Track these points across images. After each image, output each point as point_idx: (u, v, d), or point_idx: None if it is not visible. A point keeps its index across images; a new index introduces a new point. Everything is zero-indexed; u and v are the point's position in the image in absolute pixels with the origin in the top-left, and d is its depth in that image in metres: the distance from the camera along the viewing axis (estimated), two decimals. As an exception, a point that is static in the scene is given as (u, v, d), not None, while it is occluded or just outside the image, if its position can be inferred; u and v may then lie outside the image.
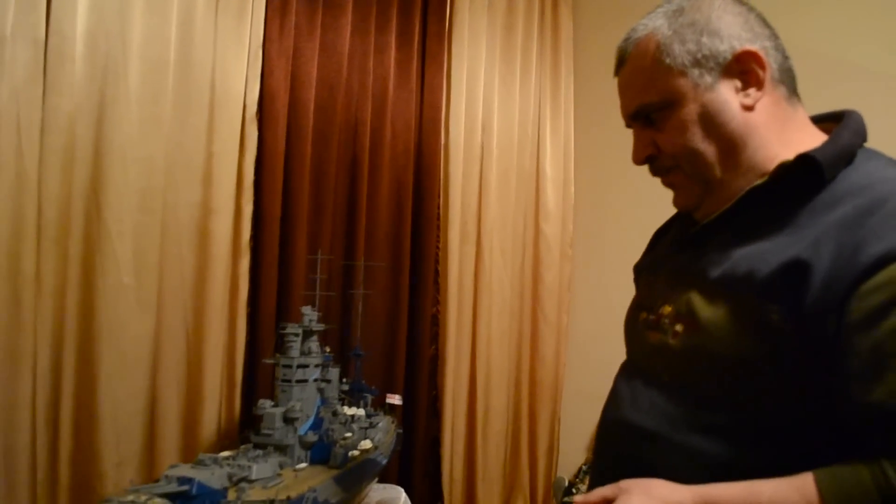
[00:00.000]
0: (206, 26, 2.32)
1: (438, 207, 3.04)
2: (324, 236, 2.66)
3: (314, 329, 2.12)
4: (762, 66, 1.05)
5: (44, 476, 2.03)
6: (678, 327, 1.06)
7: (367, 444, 2.16)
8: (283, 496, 1.59)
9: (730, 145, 1.06)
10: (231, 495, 1.57)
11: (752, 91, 1.06)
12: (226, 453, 1.82)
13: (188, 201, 2.30)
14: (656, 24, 1.10)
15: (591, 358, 3.45)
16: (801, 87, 1.11)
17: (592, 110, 3.41)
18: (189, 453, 2.20)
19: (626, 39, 1.13)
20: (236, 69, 2.39)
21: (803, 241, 0.94)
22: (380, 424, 2.38)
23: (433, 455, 3.00)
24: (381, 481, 2.44)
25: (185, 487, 1.47)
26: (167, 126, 2.25)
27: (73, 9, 2.04)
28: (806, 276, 0.91)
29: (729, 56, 1.05)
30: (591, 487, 1.08)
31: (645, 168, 1.16)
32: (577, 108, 3.51)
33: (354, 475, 2.00)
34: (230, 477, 1.64)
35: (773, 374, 0.95)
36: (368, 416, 2.39)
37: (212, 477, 1.53)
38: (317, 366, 2.09)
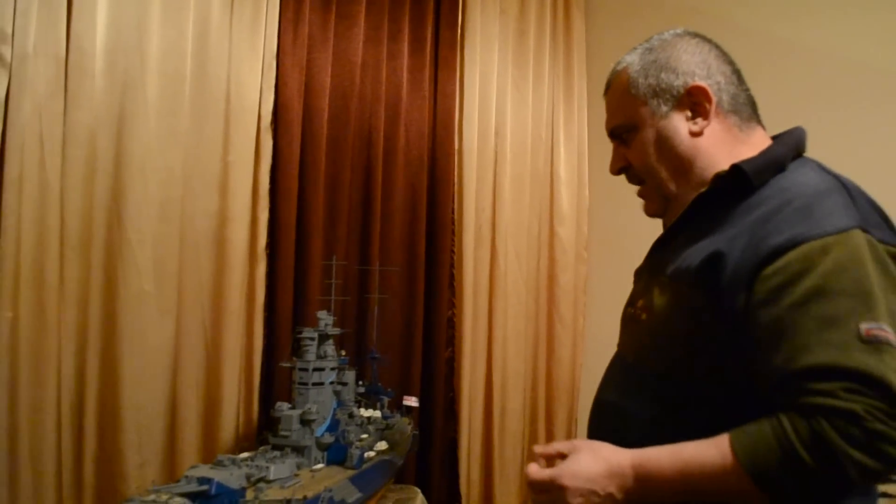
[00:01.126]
0: (221, 39, 2.38)
1: (453, 212, 3.08)
2: (339, 242, 2.71)
3: (330, 333, 2.16)
4: (709, 100, 1.24)
5: (69, 477, 2.09)
6: (644, 316, 1.26)
7: (382, 445, 2.20)
8: (299, 496, 1.62)
9: (679, 164, 1.26)
10: (249, 495, 1.61)
11: (699, 120, 1.25)
12: (244, 454, 1.86)
13: (205, 210, 2.36)
14: (631, 60, 1.32)
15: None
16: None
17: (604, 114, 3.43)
18: (209, 455, 2.25)
19: (613, 70, 1.36)
20: (251, 80, 2.45)
21: (725, 237, 1.11)
22: (396, 426, 2.42)
23: (450, 456, 3.03)
24: (398, 482, 2.48)
25: (204, 487, 1.51)
26: (184, 137, 2.31)
27: (92, 26, 2.11)
28: (721, 264, 1.09)
29: (682, 90, 1.25)
30: None
31: None
32: (591, 110, 3.52)
33: (370, 476, 2.04)
34: (248, 477, 1.67)
35: (703, 349, 1.12)
36: (385, 417, 2.43)
37: (230, 477, 1.57)
38: (333, 369, 2.12)
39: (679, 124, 1.26)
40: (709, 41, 1.31)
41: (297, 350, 2.13)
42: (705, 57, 1.28)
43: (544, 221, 3.38)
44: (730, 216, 1.15)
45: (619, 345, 1.36)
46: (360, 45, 2.78)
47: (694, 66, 1.26)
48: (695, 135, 1.25)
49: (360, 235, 2.83)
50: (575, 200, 3.44)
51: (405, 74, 2.94)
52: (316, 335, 2.12)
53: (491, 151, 3.17)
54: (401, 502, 2.29)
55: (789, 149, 1.20)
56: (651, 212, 1.36)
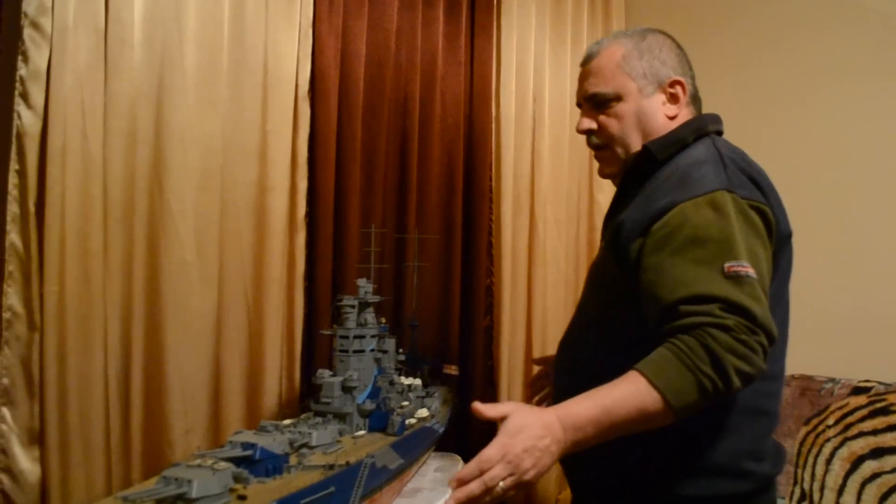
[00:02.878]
0: (258, 8, 2.37)
1: (490, 179, 3.05)
2: (376, 210, 2.71)
3: (369, 301, 2.17)
4: (684, 92, 1.54)
5: (117, 443, 2.13)
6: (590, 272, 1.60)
7: (423, 412, 2.21)
8: (342, 461, 1.63)
9: (647, 138, 1.50)
10: (293, 460, 1.63)
11: (673, 107, 1.53)
12: (287, 421, 1.88)
13: (245, 179, 2.37)
14: (624, 41, 1.56)
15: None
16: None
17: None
18: (252, 421, 2.28)
19: (598, 43, 1.60)
20: (288, 49, 2.44)
21: (629, 206, 1.41)
22: (436, 394, 2.43)
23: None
24: (438, 450, 2.49)
25: (248, 452, 1.52)
26: (223, 107, 2.31)
27: (130, -4, 2.11)
28: (621, 229, 1.38)
29: (666, 79, 1.53)
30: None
31: None
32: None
33: (411, 442, 2.05)
34: (291, 443, 1.69)
35: (619, 295, 1.39)
36: (425, 385, 2.44)
37: (274, 443, 1.58)
38: (373, 336, 2.13)
39: (657, 106, 1.53)
40: (678, 44, 1.61)
41: (338, 318, 2.14)
42: (680, 56, 1.58)
43: (584, 188, 3.34)
44: (641, 188, 1.44)
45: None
46: (395, 11, 2.76)
47: (676, 63, 1.55)
48: (669, 118, 1.53)
49: (396, 203, 2.83)
50: (614, 167, 3.39)
51: (441, 41, 2.91)
52: (356, 303, 2.13)
53: (529, 117, 3.13)
54: (441, 470, 2.30)
55: (690, 130, 1.48)
56: (608, 173, 1.61)
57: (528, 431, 1.17)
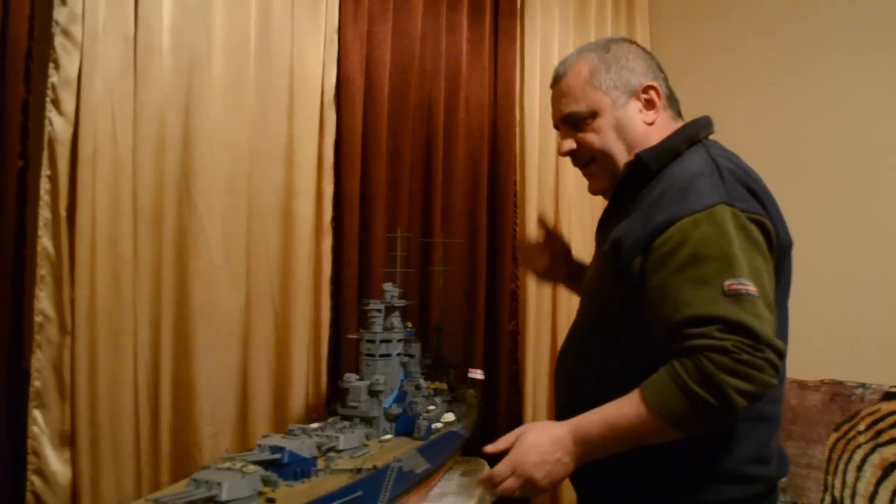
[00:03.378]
0: (284, 15, 2.39)
1: (515, 184, 3.05)
2: (401, 215, 2.72)
3: (396, 305, 2.17)
4: (658, 96, 1.53)
5: (146, 446, 2.15)
6: (587, 284, 1.60)
7: (449, 416, 2.21)
8: (369, 465, 1.63)
9: (632, 147, 1.50)
10: (320, 464, 1.63)
11: (650, 112, 1.53)
12: (314, 424, 1.89)
13: (272, 184, 2.39)
14: (588, 56, 1.55)
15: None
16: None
17: (669, 77, 3.38)
18: (279, 425, 2.30)
19: (563, 63, 1.59)
20: (313, 55, 2.45)
21: (625, 222, 1.41)
22: (462, 398, 2.43)
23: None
24: (464, 454, 2.49)
25: (277, 456, 1.53)
26: (250, 112, 2.33)
27: (159, 5, 2.14)
28: (620, 245, 1.38)
29: (637, 87, 1.52)
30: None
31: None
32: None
33: (438, 447, 2.05)
34: (319, 446, 1.70)
35: (620, 308, 1.41)
36: (451, 389, 2.44)
37: (302, 446, 1.59)
38: (399, 341, 2.14)
39: (634, 114, 1.52)
40: (644, 49, 1.61)
41: (364, 322, 2.15)
42: (648, 61, 1.57)
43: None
44: (635, 199, 1.44)
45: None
46: (420, 16, 2.77)
47: (645, 68, 1.55)
48: (648, 124, 1.52)
49: (421, 208, 2.83)
50: (639, 170, 3.37)
51: (465, 45, 2.91)
52: (382, 307, 2.13)
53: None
54: (468, 474, 2.30)
55: (683, 139, 1.47)
56: (598, 188, 1.60)
57: (538, 448, 1.32)
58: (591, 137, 1.53)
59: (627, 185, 1.49)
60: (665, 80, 1.58)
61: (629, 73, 1.53)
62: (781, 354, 1.23)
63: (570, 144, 1.56)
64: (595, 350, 1.49)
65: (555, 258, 1.91)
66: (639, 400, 1.25)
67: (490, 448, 1.43)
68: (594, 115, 1.52)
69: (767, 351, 1.20)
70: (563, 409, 1.54)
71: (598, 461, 1.34)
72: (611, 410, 1.29)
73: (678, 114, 1.59)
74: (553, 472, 1.32)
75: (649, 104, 1.53)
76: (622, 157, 1.51)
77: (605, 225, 1.55)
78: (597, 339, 1.50)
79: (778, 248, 1.37)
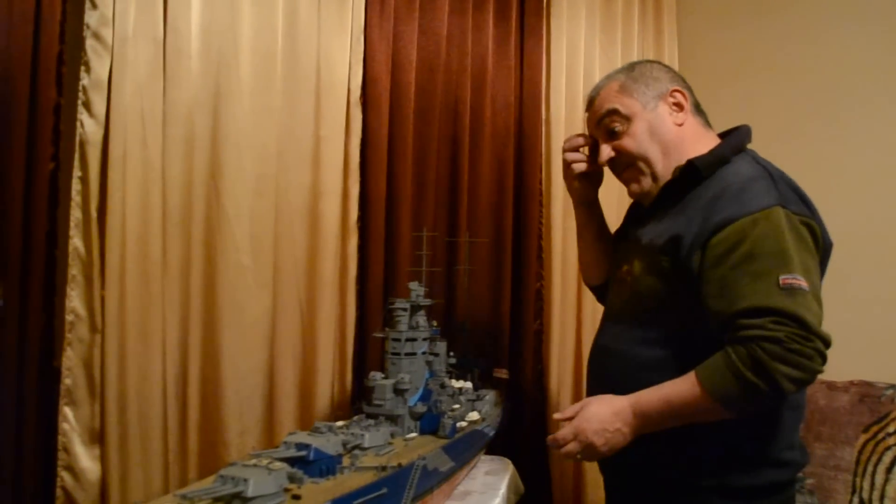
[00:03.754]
0: (310, 16, 2.41)
1: (540, 182, 3.05)
2: (427, 214, 2.72)
3: (421, 304, 2.18)
4: (685, 98, 1.67)
5: (175, 443, 2.18)
6: (629, 279, 1.66)
7: (474, 415, 2.21)
8: (394, 463, 1.64)
9: (666, 147, 1.63)
10: (345, 461, 1.64)
11: (679, 114, 1.66)
12: (340, 423, 1.90)
13: (299, 184, 2.41)
14: (616, 76, 1.71)
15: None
16: None
17: (697, 76, 3.32)
18: (305, 422, 2.32)
19: (594, 89, 1.74)
20: (340, 56, 2.47)
21: (684, 218, 1.52)
22: (487, 397, 2.42)
23: (539, 428, 3.02)
24: (488, 453, 2.49)
25: (303, 453, 1.54)
26: (277, 114, 2.35)
27: (187, 8, 2.17)
28: (680, 242, 1.49)
29: (665, 91, 1.66)
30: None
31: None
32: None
33: (462, 445, 2.05)
34: (344, 444, 1.70)
35: (673, 300, 1.53)
36: (475, 388, 2.44)
37: (327, 444, 1.59)
38: (425, 339, 2.14)
39: (665, 116, 1.65)
40: (667, 66, 1.75)
41: (390, 321, 2.16)
42: (672, 73, 1.72)
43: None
44: (686, 200, 1.55)
45: (608, 301, 1.81)
46: (445, 16, 2.78)
47: (669, 78, 1.69)
48: (678, 125, 1.65)
49: (447, 207, 2.84)
50: (666, 168, 3.35)
51: (490, 45, 2.92)
52: (408, 306, 2.14)
53: (579, 120, 3.11)
54: (492, 473, 2.30)
55: (732, 147, 1.60)
56: (638, 191, 1.69)
57: (599, 416, 1.49)
58: (627, 142, 1.65)
59: (677, 187, 1.59)
60: (690, 91, 1.70)
61: (655, 81, 1.67)
62: (829, 344, 1.35)
63: (608, 152, 1.68)
64: (634, 342, 1.60)
65: (590, 178, 1.91)
66: (694, 381, 1.40)
67: (557, 415, 1.60)
68: (629, 118, 1.65)
69: (817, 341, 1.32)
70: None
71: (652, 449, 1.51)
72: (668, 388, 1.44)
73: (707, 123, 1.70)
74: (612, 440, 1.48)
75: (678, 106, 1.66)
76: (657, 157, 1.63)
77: (642, 224, 1.67)
78: (637, 331, 1.60)
79: (822, 249, 1.50)
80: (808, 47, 3.04)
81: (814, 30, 3.03)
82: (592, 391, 1.70)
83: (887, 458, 2.36)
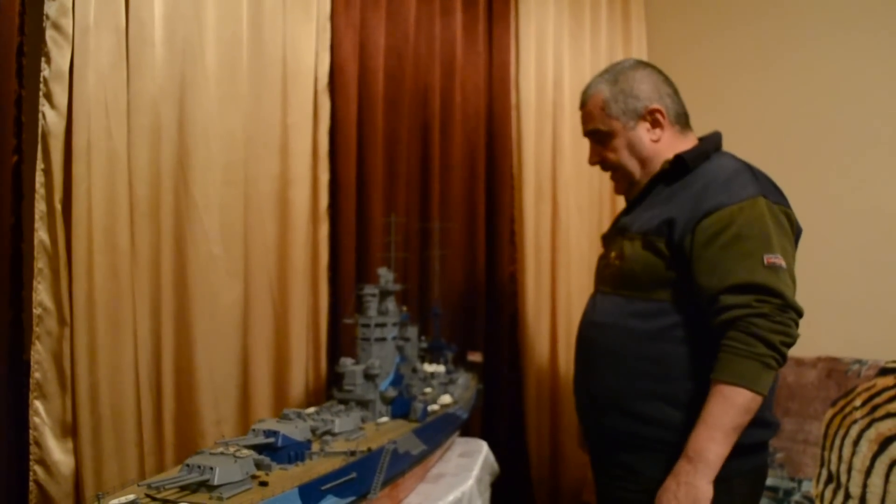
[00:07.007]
0: (275, 3, 2.39)
1: (512, 167, 3.06)
2: (399, 200, 2.73)
3: (390, 289, 2.19)
4: (663, 116, 1.88)
5: (149, 435, 2.17)
6: (617, 262, 1.84)
7: (446, 398, 2.23)
8: (363, 447, 1.65)
9: (643, 160, 1.90)
10: (315, 447, 1.65)
11: (657, 131, 1.89)
12: (310, 409, 1.90)
13: (268, 173, 2.40)
14: (602, 88, 1.93)
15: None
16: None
17: (665, 60, 3.34)
18: (281, 410, 2.28)
19: (585, 92, 2.00)
20: (306, 43, 2.46)
21: (674, 205, 1.72)
22: (459, 381, 2.44)
23: (516, 410, 3.05)
24: (463, 435, 2.51)
25: (270, 440, 1.54)
26: (244, 102, 2.34)
27: (149, -5, 2.14)
28: (673, 224, 1.69)
29: (643, 110, 1.88)
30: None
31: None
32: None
33: (434, 429, 2.07)
34: (314, 430, 1.72)
35: (665, 276, 1.71)
36: (448, 372, 2.45)
37: (296, 430, 1.60)
38: (394, 324, 2.15)
39: (643, 134, 1.89)
40: (654, 68, 1.94)
41: (360, 307, 2.17)
42: (655, 83, 1.90)
43: (605, 175, 3.29)
44: (675, 189, 1.77)
45: (596, 284, 2.00)
46: (413, 2, 2.77)
47: (650, 93, 1.88)
48: (654, 141, 1.89)
49: (419, 193, 2.85)
50: (637, 151, 3.37)
51: (459, 30, 2.92)
52: (377, 291, 2.15)
53: (549, 104, 3.13)
54: (466, 455, 2.32)
55: (712, 145, 1.84)
56: (620, 191, 2.01)
57: (666, 490, 1.57)
58: (610, 154, 1.94)
59: (664, 179, 1.83)
60: (672, 95, 1.91)
61: (634, 100, 1.88)
62: (801, 314, 1.57)
63: (597, 157, 1.99)
64: (629, 315, 1.77)
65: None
66: (722, 388, 1.53)
67: None
68: (611, 135, 1.92)
69: (792, 312, 1.55)
70: (583, 369, 1.91)
71: (641, 413, 1.69)
72: (703, 417, 1.55)
73: (686, 126, 1.92)
74: (686, 498, 1.54)
75: (655, 123, 1.88)
76: (636, 169, 1.91)
77: (633, 213, 1.88)
78: (630, 305, 1.77)
79: (796, 235, 1.71)
80: (776, 32, 3.06)
81: (782, 29, 3.05)
82: (582, 365, 1.92)
83: (854, 432, 2.40)
